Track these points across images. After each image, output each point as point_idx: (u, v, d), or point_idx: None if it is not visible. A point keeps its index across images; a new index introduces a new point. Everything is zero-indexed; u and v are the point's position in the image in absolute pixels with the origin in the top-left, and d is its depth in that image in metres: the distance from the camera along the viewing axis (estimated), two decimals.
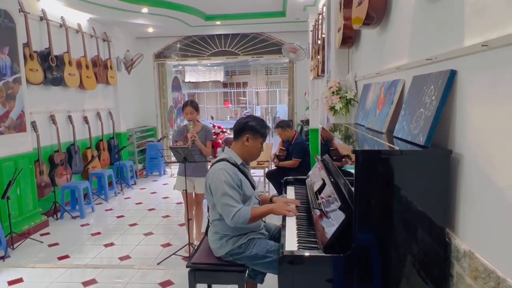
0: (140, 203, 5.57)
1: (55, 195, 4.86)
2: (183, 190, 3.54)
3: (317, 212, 1.88)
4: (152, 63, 8.16)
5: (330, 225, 1.61)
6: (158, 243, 3.95)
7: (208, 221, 2.45)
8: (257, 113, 18.39)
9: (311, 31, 6.19)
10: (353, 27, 2.57)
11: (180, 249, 3.56)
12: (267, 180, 5.70)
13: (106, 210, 5.25)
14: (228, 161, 2.20)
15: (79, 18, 5.78)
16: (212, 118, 10.81)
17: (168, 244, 3.91)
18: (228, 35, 8.02)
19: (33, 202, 4.41)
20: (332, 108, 3.40)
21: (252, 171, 5.41)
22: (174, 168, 7.90)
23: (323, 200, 1.93)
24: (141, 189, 6.50)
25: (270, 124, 15.63)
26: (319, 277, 1.50)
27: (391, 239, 1.43)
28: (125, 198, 5.88)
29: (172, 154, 3.56)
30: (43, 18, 4.87)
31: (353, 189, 1.59)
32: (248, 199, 2.20)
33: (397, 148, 1.43)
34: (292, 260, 1.51)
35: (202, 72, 18.06)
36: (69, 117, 5.42)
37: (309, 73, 6.52)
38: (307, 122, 7.39)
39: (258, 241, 2.17)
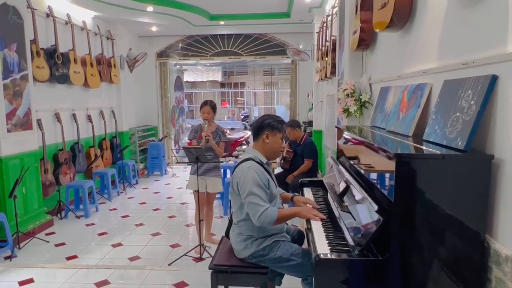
0: (144, 203, 5.53)
1: (59, 194, 4.80)
2: (195, 191, 3.51)
3: (345, 215, 1.88)
4: (154, 62, 8.11)
5: (364, 228, 1.60)
6: (167, 244, 3.92)
7: (229, 222, 2.44)
8: (255, 114, 18.38)
9: (316, 32, 6.20)
10: (375, 30, 2.57)
11: (191, 250, 3.53)
12: None
13: (110, 210, 5.20)
14: (254, 160, 2.20)
15: (84, 16, 5.73)
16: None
17: (177, 245, 3.89)
18: (231, 35, 8.01)
19: (38, 201, 4.36)
20: (346, 110, 3.41)
21: None
22: (176, 168, 7.88)
23: (351, 203, 1.93)
24: (143, 188, 6.45)
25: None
26: (355, 280, 1.50)
27: (428, 243, 1.43)
28: (128, 198, 5.83)
29: (184, 154, 3.54)
30: (49, 14, 4.81)
31: (384, 192, 1.60)
32: (274, 199, 2.20)
33: (438, 152, 1.42)
34: (329, 264, 1.50)
35: (200, 72, 18.01)
36: (73, 116, 5.37)
37: (313, 74, 6.53)
38: (309, 123, 7.40)
39: (282, 243, 2.16)
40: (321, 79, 5.43)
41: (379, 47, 3.04)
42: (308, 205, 2.29)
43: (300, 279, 2.22)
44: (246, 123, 17.09)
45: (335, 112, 4.69)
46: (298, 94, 8.19)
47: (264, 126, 2.27)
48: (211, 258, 3.39)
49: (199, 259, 3.48)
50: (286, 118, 11.14)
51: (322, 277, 1.50)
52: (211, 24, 7.33)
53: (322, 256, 1.52)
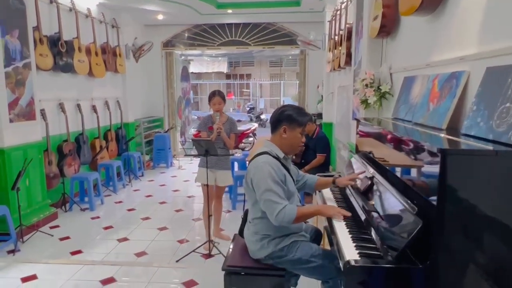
0: (150, 195, 5.41)
1: (64, 186, 4.68)
2: (204, 185, 3.37)
3: (374, 215, 1.72)
4: (160, 51, 7.92)
5: (398, 231, 1.44)
6: (174, 239, 3.79)
7: (243, 219, 2.29)
8: (261, 106, 18.17)
9: (328, 21, 5.98)
10: (401, 15, 2.37)
11: (200, 246, 3.40)
12: None
13: (116, 203, 5.08)
14: (269, 154, 2.03)
15: (88, 3, 5.54)
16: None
17: (184, 240, 3.76)
18: (238, 24, 7.79)
19: (42, 194, 4.24)
20: (364, 102, 3.24)
21: None
22: (182, 161, 7.74)
23: (378, 202, 1.76)
24: (149, 181, 6.33)
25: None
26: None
27: (476, 250, 1.26)
28: (134, 190, 5.71)
29: (191, 146, 3.39)
30: (52, 1, 4.64)
31: (423, 192, 1.43)
32: (291, 196, 2.03)
33: (490, 147, 1.25)
34: (363, 271, 1.35)
35: (205, 63, 17.79)
36: (78, 106, 5.22)
37: (325, 65, 6.32)
38: (319, 115, 7.21)
39: (301, 244, 2.00)
40: (334, 69, 5.24)
41: (402, 33, 2.85)
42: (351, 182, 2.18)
43: (320, 281, 2.07)
44: (252, 115, 16.90)
45: (350, 104, 4.51)
46: (307, 85, 7.97)
47: (282, 118, 2.08)
48: (219, 254, 3.31)
49: (208, 255, 3.35)
50: None
51: (354, 285, 1.35)
52: (219, 13, 7.12)
53: (351, 263, 1.36)
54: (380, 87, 3.07)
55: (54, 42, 4.57)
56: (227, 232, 3.89)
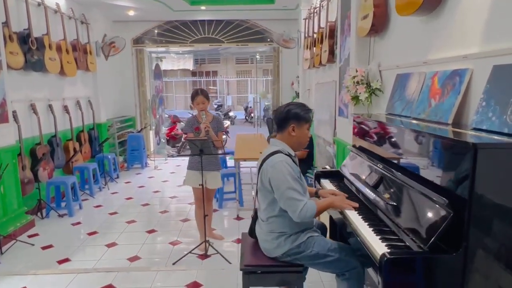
0: (131, 198, 5.24)
1: (39, 192, 4.42)
2: (199, 185, 3.32)
3: (392, 208, 1.79)
4: (130, 49, 7.67)
5: (427, 222, 1.52)
6: (166, 241, 3.71)
7: (253, 220, 2.28)
8: (228, 103, 18.10)
9: (304, 19, 6.07)
10: (399, 14, 2.46)
11: (196, 247, 3.35)
12: None
13: (95, 207, 4.87)
14: (282, 152, 2.05)
15: None
16: (191, 107, 10.40)
17: (177, 242, 3.69)
18: (211, 21, 7.71)
19: (17, 201, 3.98)
20: (355, 98, 3.33)
21: (248, 163, 5.27)
22: (157, 160, 7.56)
23: (397, 195, 1.83)
24: (126, 183, 6.13)
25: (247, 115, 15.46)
26: (425, 277, 1.41)
27: (505, 238, 1.36)
28: (112, 193, 5.50)
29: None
30: None
31: (449, 184, 1.51)
32: (305, 191, 2.07)
33: None
34: (400, 263, 1.40)
35: (171, 60, 17.41)
36: (50, 106, 4.94)
37: (301, 62, 6.41)
38: None
39: (317, 239, 2.04)
40: (313, 66, 5.33)
41: (393, 32, 2.96)
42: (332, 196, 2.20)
43: (334, 274, 2.12)
44: (220, 112, 16.79)
45: (332, 100, 4.62)
46: (281, 82, 8.06)
47: (290, 117, 2.11)
48: (216, 254, 3.29)
49: (205, 256, 3.31)
50: (272, 108, 10.95)
51: (392, 278, 1.40)
52: (192, 9, 7.00)
53: (388, 255, 1.41)
54: (371, 84, 3.18)
55: (24, 39, 4.29)
56: (218, 232, 3.87)
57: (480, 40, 1.88)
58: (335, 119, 4.47)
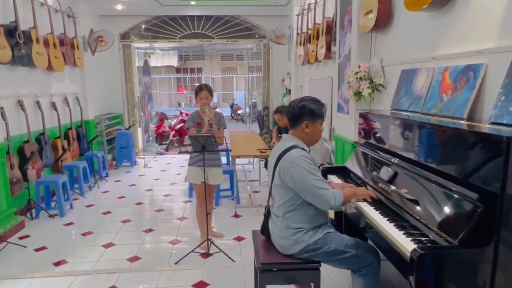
0: (123, 197, 5.11)
1: (29, 191, 4.25)
2: (202, 182, 3.25)
3: (410, 202, 1.78)
4: (118, 44, 7.47)
5: (455, 217, 1.52)
6: (165, 241, 3.63)
7: (265, 217, 2.23)
8: (214, 100, 17.92)
9: (296, 15, 6.05)
10: (409, 10, 2.46)
11: (198, 245, 3.29)
12: (261, 170, 5.55)
13: (87, 206, 4.73)
14: (298, 147, 2.03)
15: None
16: (179, 104, 10.28)
17: (177, 241, 3.61)
18: (201, 17, 7.59)
19: (6, 201, 3.81)
20: (357, 94, 3.33)
21: (241, 160, 5.23)
22: (147, 158, 7.42)
23: (419, 190, 1.83)
24: (116, 181, 5.98)
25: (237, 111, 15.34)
26: (455, 271, 1.41)
27: None
28: (103, 192, 5.36)
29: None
30: None
31: (478, 178, 1.51)
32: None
33: None
34: (431, 257, 1.39)
35: (155, 56, 17.11)
36: (37, 103, 4.75)
37: (294, 59, 6.39)
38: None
39: (334, 235, 2.03)
40: (308, 62, 5.32)
41: (397, 28, 2.96)
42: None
43: (349, 271, 2.11)
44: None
45: (328, 96, 4.61)
46: (272, 79, 8.03)
47: (304, 113, 2.08)
48: (219, 253, 3.24)
49: (207, 254, 3.25)
50: (262, 104, 10.92)
51: (424, 273, 1.39)
52: (181, 4, 6.88)
53: (419, 251, 1.40)
54: (374, 80, 3.18)
55: (11, 32, 4.10)
56: (217, 229, 3.81)
57: (496, 35, 1.90)
58: (331, 115, 4.48)
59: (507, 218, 1.36)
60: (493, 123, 1.76)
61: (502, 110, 1.73)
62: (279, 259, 2.02)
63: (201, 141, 3.11)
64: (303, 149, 2.06)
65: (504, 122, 1.69)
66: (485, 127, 1.69)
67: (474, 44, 2.05)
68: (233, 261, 3.13)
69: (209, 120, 3.32)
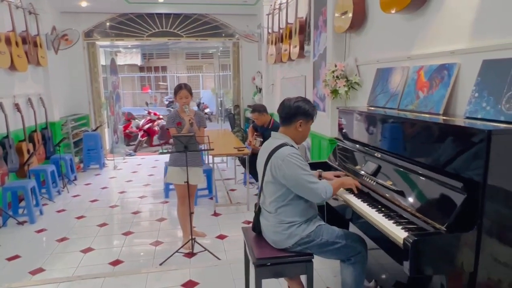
0: (96, 200, 4.96)
1: None
2: (184, 182, 3.24)
3: (396, 194, 1.91)
4: (82, 42, 7.19)
5: (441, 205, 1.64)
6: (146, 243, 3.58)
7: (256, 214, 2.28)
8: None
9: (267, 14, 6.12)
10: (385, 12, 2.60)
11: (182, 246, 3.28)
12: (235, 168, 5.56)
13: (58, 212, 4.55)
14: (287, 145, 2.09)
15: None
16: (147, 104, 10.06)
17: (158, 242, 3.58)
18: (169, 15, 7.47)
19: None
20: (334, 92, 3.46)
21: (215, 159, 5.24)
22: (116, 160, 7.22)
23: (397, 181, 1.96)
24: (86, 184, 5.77)
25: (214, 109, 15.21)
26: (444, 255, 1.53)
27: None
28: (73, 196, 5.16)
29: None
30: None
31: (459, 168, 1.65)
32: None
33: None
34: (423, 243, 1.51)
35: (118, 55, 16.56)
36: (0, 104, 4.49)
37: (264, 57, 6.47)
38: None
39: (325, 227, 2.12)
40: (280, 61, 5.41)
41: (372, 29, 3.11)
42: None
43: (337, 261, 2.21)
44: (172, 109, 16.35)
45: (303, 94, 4.73)
46: (242, 77, 8.06)
47: (299, 112, 2.14)
48: (203, 252, 3.25)
49: (191, 254, 3.25)
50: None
51: (418, 258, 1.50)
52: (149, 2, 6.76)
53: (411, 238, 1.51)
54: (350, 78, 3.32)
55: None
56: (198, 229, 3.81)
57: (468, 37, 2.06)
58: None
59: (489, 204, 1.51)
60: (468, 117, 1.92)
61: (476, 106, 1.89)
62: (274, 253, 2.08)
63: (183, 141, 3.10)
64: (292, 146, 2.13)
65: (479, 116, 1.85)
66: (462, 121, 1.85)
67: (447, 45, 2.21)
68: (219, 259, 3.16)
69: (190, 120, 3.31)
